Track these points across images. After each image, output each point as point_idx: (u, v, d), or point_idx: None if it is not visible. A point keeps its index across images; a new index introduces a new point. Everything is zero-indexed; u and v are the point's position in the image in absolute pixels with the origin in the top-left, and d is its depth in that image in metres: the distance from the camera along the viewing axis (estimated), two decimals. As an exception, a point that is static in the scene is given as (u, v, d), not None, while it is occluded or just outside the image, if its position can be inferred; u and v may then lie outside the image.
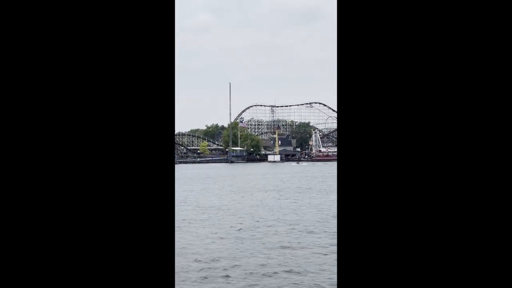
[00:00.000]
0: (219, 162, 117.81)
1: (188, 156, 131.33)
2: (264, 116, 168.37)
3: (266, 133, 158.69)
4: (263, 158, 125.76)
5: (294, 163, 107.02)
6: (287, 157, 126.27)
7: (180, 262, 12.88)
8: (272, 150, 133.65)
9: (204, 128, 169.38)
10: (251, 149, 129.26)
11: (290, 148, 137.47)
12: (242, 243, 15.67)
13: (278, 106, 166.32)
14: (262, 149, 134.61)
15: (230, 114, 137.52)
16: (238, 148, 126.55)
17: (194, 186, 43.81)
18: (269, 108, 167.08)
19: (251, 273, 11.74)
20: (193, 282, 11.02)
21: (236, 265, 12.52)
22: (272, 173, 64.74)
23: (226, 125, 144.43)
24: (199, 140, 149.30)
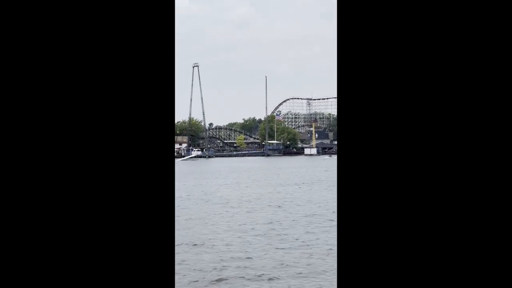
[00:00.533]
0: (255, 156, 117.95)
1: (224, 150, 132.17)
2: (301, 109, 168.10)
3: (303, 126, 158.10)
4: (300, 151, 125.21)
5: (326, 157, 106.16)
6: (324, 150, 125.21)
7: (191, 258, 12.55)
8: (309, 143, 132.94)
9: (242, 121, 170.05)
10: (288, 142, 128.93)
11: (327, 141, 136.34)
12: (260, 237, 15.23)
13: (314, 99, 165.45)
14: (299, 142, 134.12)
15: (266, 108, 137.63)
16: (275, 142, 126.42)
17: (227, 179, 43.69)
18: (306, 101, 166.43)
19: (262, 271, 11.28)
20: (205, 280, 10.64)
21: (248, 263, 12.09)
22: (307, 167, 64.15)
23: (263, 119, 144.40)
24: (236, 134, 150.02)
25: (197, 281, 10.51)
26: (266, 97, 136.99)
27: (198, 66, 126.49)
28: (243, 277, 10.75)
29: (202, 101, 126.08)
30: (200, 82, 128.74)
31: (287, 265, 11.75)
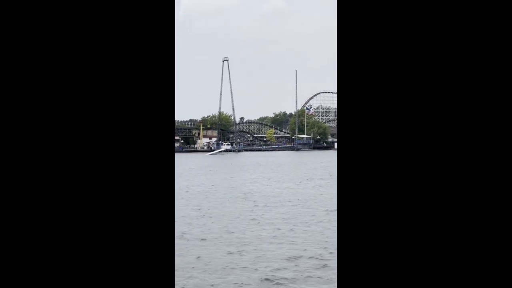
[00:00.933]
0: (285, 150, 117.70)
1: (254, 144, 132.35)
2: (332, 103, 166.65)
3: (334, 120, 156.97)
4: (330, 146, 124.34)
5: None
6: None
7: (202, 252, 12.32)
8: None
9: (272, 115, 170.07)
10: (318, 137, 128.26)
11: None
12: (275, 232, 14.91)
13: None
14: (329, 136, 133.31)
15: (296, 102, 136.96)
16: (305, 136, 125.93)
17: (254, 174, 43.53)
18: (336, 95, 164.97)
19: (271, 266, 10.96)
20: (216, 273, 10.39)
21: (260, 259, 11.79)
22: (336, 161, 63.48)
23: (294, 113, 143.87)
24: (266, 128, 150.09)
25: (208, 274, 10.27)
26: (296, 91, 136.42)
27: (228, 60, 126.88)
28: (251, 273, 10.45)
29: (231, 95, 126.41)
30: (230, 76, 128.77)
31: (296, 259, 11.42)
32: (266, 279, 10.16)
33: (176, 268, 10.81)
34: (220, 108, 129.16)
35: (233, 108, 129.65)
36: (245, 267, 11.07)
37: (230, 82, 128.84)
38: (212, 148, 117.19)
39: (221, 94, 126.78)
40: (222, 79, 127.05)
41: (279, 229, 15.83)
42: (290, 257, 11.91)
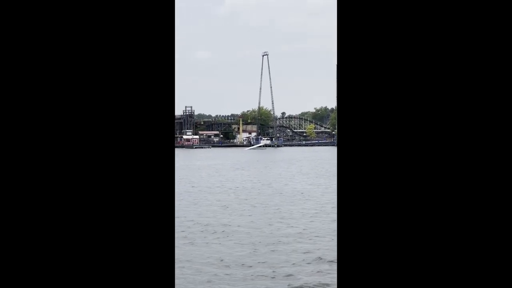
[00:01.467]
0: (325, 145, 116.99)
1: (294, 139, 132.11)
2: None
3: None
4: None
5: None
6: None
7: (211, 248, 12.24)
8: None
9: (313, 111, 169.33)
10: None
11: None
12: (291, 229, 14.69)
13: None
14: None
15: (336, 97, 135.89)
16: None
17: (290, 169, 43.38)
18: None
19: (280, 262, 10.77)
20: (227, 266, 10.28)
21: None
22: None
23: (335, 108, 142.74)
24: (306, 123, 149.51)
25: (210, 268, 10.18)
26: (336, 86, 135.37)
27: (267, 55, 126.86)
28: (266, 268, 10.30)
29: (271, 90, 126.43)
30: (269, 71, 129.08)
31: (317, 258, 11.22)
32: (285, 276, 10.00)
33: (191, 263, 10.65)
34: (259, 103, 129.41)
35: (272, 103, 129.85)
36: (262, 263, 10.93)
37: (269, 76, 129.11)
38: (252, 143, 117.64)
39: (260, 89, 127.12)
40: (261, 74, 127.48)
41: (304, 225, 15.63)
42: (310, 254, 11.70)
